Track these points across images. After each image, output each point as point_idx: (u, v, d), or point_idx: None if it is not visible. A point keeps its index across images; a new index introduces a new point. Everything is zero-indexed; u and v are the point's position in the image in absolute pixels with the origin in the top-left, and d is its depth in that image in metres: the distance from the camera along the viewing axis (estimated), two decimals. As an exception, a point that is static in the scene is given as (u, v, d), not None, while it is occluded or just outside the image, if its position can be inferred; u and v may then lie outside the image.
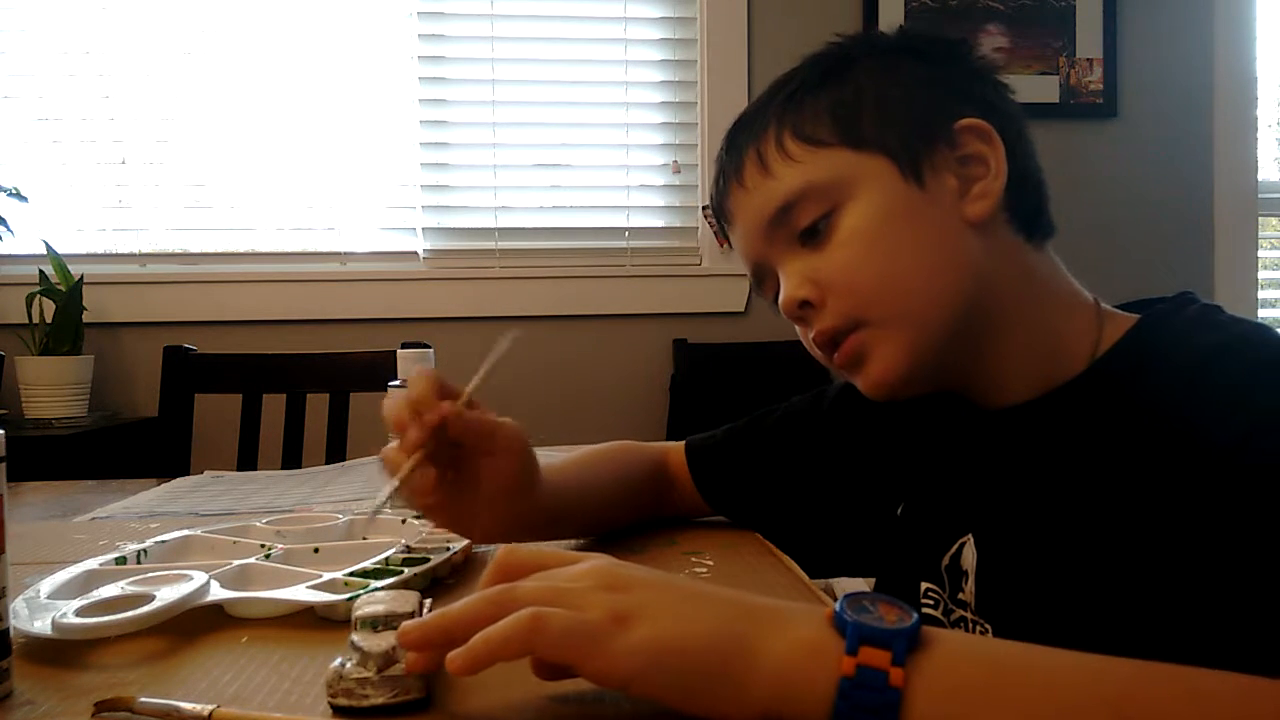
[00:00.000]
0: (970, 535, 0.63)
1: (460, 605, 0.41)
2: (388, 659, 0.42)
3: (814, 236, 0.61)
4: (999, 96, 0.65)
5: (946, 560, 0.64)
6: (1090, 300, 0.63)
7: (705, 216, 2.30)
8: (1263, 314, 2.48)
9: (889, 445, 0.74)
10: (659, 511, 0.82)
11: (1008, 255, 0.61)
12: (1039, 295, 0.62)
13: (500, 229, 2.29)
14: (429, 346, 0.92)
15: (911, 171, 0.60)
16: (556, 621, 0.37)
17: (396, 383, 0.92)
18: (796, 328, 0.65)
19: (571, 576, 0.41)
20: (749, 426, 0.82)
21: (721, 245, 2.29)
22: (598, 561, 0.42)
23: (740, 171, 0.64)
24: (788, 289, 0.62)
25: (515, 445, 0.62)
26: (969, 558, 0.63)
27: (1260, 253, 2.43)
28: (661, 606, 0.39)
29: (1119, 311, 0.63)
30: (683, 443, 0.84)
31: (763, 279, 0.67)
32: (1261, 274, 2.45)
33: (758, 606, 0.40)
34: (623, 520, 0.79)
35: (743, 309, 2.30)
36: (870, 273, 0.59)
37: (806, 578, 0.66)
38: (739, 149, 0.65)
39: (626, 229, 2.33)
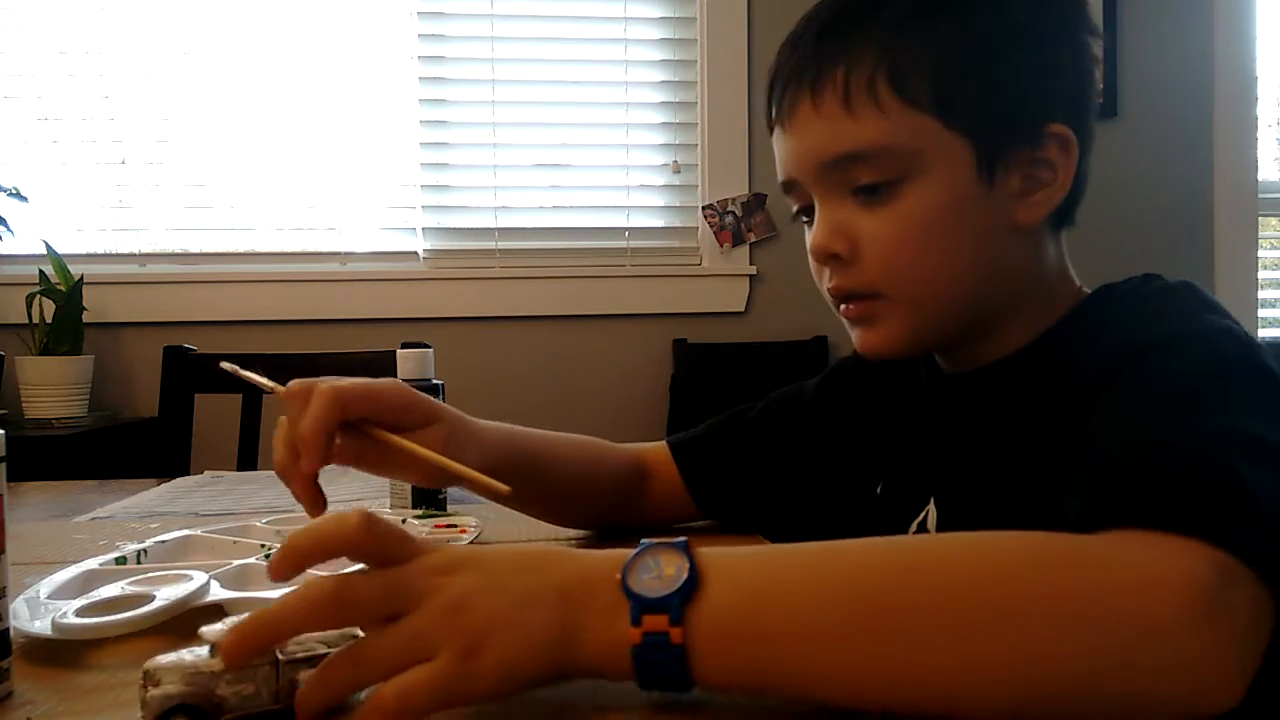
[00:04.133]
0: (932, 500, 0.66)
1: (322, 669, 0.40)
2: (148, 677, 0.39)
3: (870, 194, 0.59)
4: (1091, 89, 0.62)
5: (914, 527, 0.67)
6: (1077, 284, 0.65)
7: (705, 216, 2.30)
8: (1263, 314, 2.48)
9: (869, 426, 0.75)
10: (629, 513, 0.79)
11: (1034, 248, 0.62)
12: (1047, 283, 0.64)
13: (500, 229, 2.29)
14: (429, 346, 0.92)
15: (986, 165, 0.58)
16: (424, 691, 0.38)
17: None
18: (811, 260, 0.64)
19: (415, 595, 0.40)
20: (732, 422, 0.81)
21: (722, 245, 2.29)
22: (433, 567, 0.41)
23: (818, 85, 0.59)
24: (822, 235, 0.61)
25: (425, 415, 0.60)
26: (931, 522, 0.65)
27: (1260, 253, 2.43)
28: (499, 621, 0.40)
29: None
30: (658, 444, 0.81)
31: (794, 189, 0.64)
32: (1261, 274, 2.44)
33: (569, 584, 0.42)
34: (594, 514, 0.77)
35: (743, 309, 2.30)
36: (910, 258, 0.59)
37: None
38: (826, 56, 0.59)
39: (626, 229, 2.33)
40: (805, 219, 0.65)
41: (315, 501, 0.55)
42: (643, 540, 0.43)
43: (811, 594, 0.41)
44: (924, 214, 0.58)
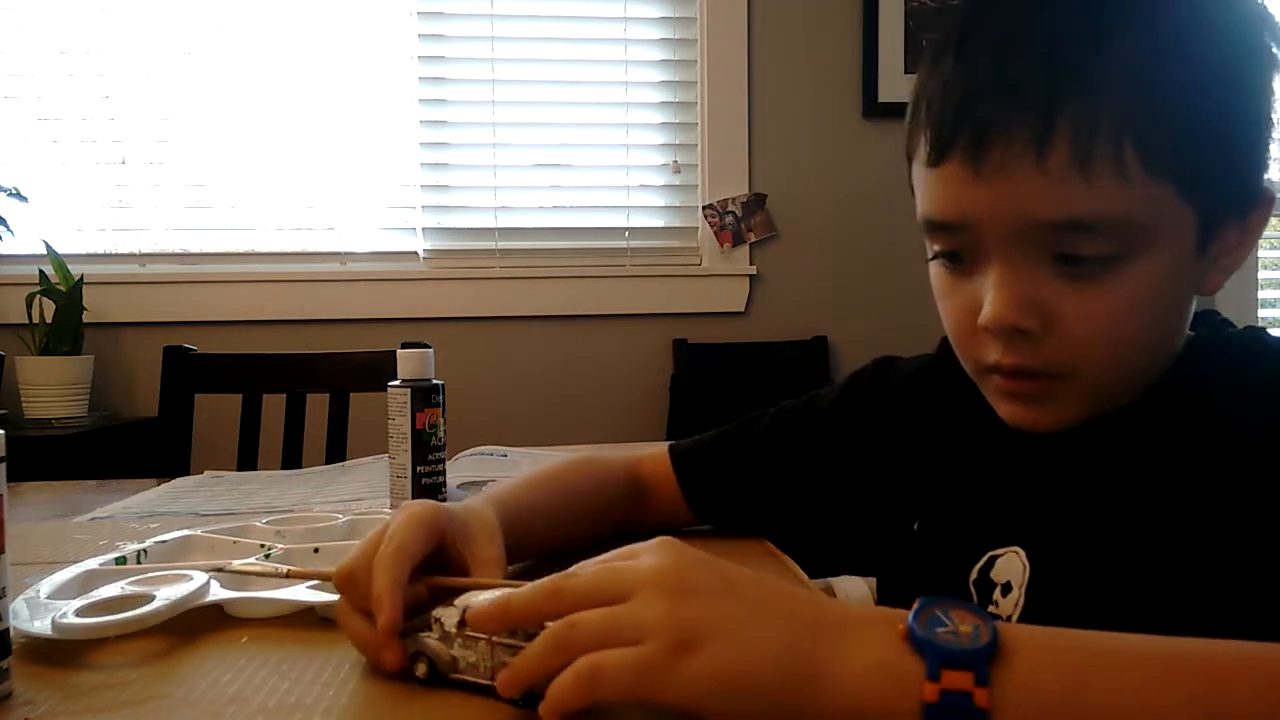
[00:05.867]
0: (1016, 549, 0.60)
1: (529, 650, 0.40)
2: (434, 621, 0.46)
3: (1077, 265, 0.50)
4: None
5: (974, 574, 0.61)
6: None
7: (705, 216, 2.30)
8: (1263, 314, 2.48)
9: (904, 459, 0.70)
10: (632, 525, 0.77)
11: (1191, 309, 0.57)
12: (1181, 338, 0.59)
13: (500, 229, 2.29)
14: (429, 346, 0.92)
15: (1203, 237, 0.51)
16: (614, 671, 0.37)
17: (396, 382, 0.92)
18: (961, 324, 0.55)
19: (635, 582, 0.39)
20: (739, 431, 0.79)
21: (722, 245, 2.29)
22: (663, 557, 0.41)
23: (1047, 138, 0.48)
24: (1009, 308, 0.51)
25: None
26: (1008, 571, 0.60)
27: (1260, 253, 2.43)
28: (726, 625, 0.37)
29: None
30: (659, 450, 0.80)
31: (955, 233, 0.53)
32: (1261, 274, 2.45)
33: (826, 620, 0.39)
34: (593, 537, 0.73)
35: (743, 309, 2.30)
36: (1117, 339, 0.52)
37: (808, 580, 0.65)
38: (1057, 103, 0.48)
39: (626, 229, 2.33)
40: (949, 264, 0.56)
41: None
42: (921, 597, 0.39)
43: (1144, 683, 0.36)
44: (1144, 294, 0.51)
